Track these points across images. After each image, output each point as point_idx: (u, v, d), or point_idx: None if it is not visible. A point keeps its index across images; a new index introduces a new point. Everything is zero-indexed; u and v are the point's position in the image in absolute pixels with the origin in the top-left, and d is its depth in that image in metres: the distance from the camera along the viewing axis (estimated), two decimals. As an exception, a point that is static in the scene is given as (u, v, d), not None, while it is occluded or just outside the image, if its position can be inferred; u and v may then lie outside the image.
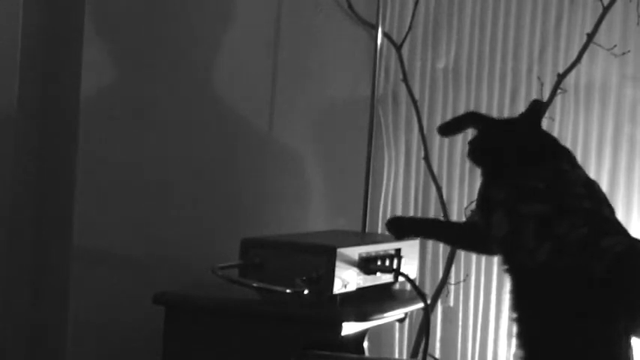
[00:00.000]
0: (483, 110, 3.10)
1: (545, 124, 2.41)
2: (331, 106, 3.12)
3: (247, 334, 2.17)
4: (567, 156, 2.02)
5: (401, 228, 2.24)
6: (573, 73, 3.03)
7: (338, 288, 2.15)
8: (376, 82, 3.08)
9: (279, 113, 2.88)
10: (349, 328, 2.18)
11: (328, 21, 3.06)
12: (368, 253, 2.26)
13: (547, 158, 1.99)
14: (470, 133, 2.15)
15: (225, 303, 2.22)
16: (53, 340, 2.31)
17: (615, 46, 3.00)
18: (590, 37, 2.99)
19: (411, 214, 3.20)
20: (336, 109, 3.14)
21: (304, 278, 2.12)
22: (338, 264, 2.13)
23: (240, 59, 2.73)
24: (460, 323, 3.18)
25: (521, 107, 3.09)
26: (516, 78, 3.15)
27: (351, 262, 2.19)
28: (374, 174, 3.09)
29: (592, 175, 2.04)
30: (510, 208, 1.93)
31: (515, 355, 3.00)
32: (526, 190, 1.93)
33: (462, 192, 3.17)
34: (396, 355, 3.20)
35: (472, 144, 2.07)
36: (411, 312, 2.68)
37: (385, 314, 2.33)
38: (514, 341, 1.92)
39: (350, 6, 3.10)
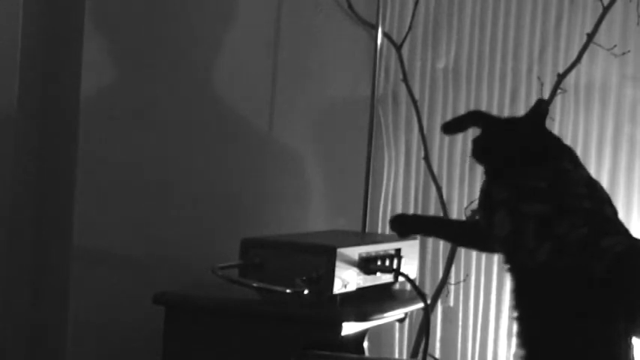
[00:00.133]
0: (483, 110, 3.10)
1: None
2: (331, 106, 3.12)
3: (247, 334, 2.17)
4: (570, 156, 2.02)
5: (404, 225, 2.24)
6: (573, 73, 3.03)
7: (338, 288, 2.15)
8: (376, 82, 3.08)
9: (279, 113, 2.88)
10: (349, 328, 2.18)
11: (328, 21, 3.06)
12: (368, 253, 2.26)
13: (549, 158, 1.99)
14: (471, 132, 2.15)
15: (225, 303, 2.22)
16: (53, 340, 2.31)
17: (615, 46, 3.00)
18: (590, 37, 2.99)
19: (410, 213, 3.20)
20: (336, 109, 3.14)
21: (304, 278, 2.12)
22: (338, 264, 2.13)
23: (240, 59, 2.73)
24: (460, 323, 3.18)
25: (522, 107, 3.10)
26: (516, 78, 3.15)
27: (351, 262, 2.19)
28: (374, 174, 3.08)
29: (592, 175, 2.04)
30: (512, 207, 1.93)
31: (515, 355, 3.00)
32: (527, 190, 1.93)
33: (462, 192, 3.17)
34: (396, 355, 3.20)
35: (475, 143, 2.07)
36: (411, 312, 2.68)
37: (385, 314, 2.33)
38: (514, 341, 1.92)
39: (350, 6, 3.10)
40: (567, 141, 2.99)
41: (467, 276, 3.16)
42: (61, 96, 2.31)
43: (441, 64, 3.21)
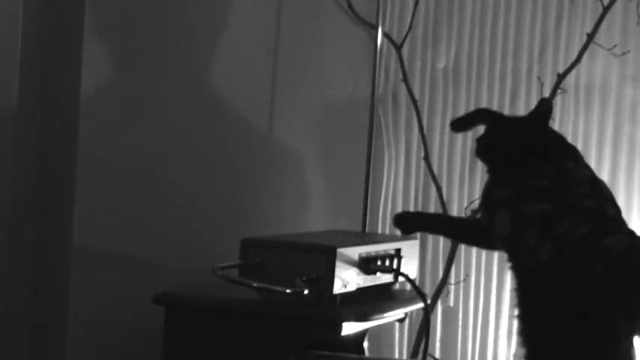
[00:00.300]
0: (483, 110, 3.10)
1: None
2: (331, 106, 3.12)
3: (247, 334, 2.17)
4: (573, 155, 2.02)
5: (407, 223, 2.24)
6: (573, 73, 3.03)
7: (338, 288, 2.15)
8: (376, 82, 3.08)
9: (279, 113, 2.88)
10: (349, 328, 2.18)
11: (328, 21, 3.06)
12: (368, 253, 2.26)
13: (551, 157, 1.99)
14: (471, 132, 2.15)
15: (225, 303, 2.22)
16: (53, 340, 2.31)
17: (615, 46, 3.00)
18: (590, 37, 2.99)
19: (412, 212, 3.20)
20: (336, 109, 3.14)
21: (304, 278, 2.12)
22: (338, 264, 2.13)
23: (240, 59, 2.73)
24: (460, 323, 3.18)
25: (522, 107, 3.09)
26: (516, 78, 3.15)
27: (351, 262, 2.19)
28: (374, 174, 3.08)
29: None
30: (513, 207, 1.93)
31: (515, 354, 3.01)
32: (528, 189, 1.94)
33: (462, 192, 3.17)
34: (396, 355, 3.20)
35: (479, 141, 2.07)
36: (411, 312, 2.68)
37: (385, 314, 2.33)
38: (515, 340, 1.92)
39: (350, 6, 3.10)
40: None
41: (467, 276, 3.16)
42: (61, 96, 2.31)
43: (441, 64, 3.21)
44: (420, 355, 2.97)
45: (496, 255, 3.08)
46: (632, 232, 1.92)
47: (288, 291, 2.11)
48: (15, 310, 2.30)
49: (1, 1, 2.23)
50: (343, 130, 3.15)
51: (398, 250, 2.35)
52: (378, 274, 2.28)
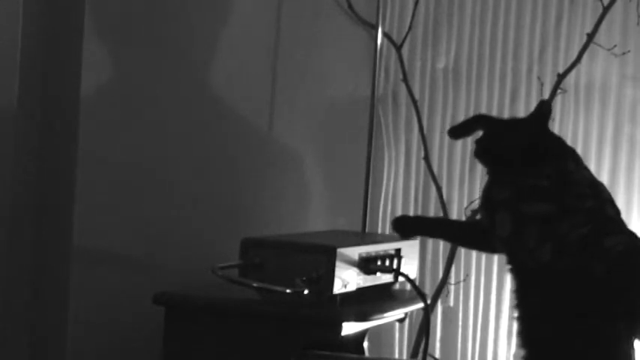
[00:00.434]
0: (483, 110, 3.10)
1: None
2: (331, 106, 3.12)
3: (247, 334, 2.17)
4: (573, 156, 2.02)
5: (406, 227, 2.24)
6: (573, 73, 3.03)
7: (338, 288, 2.15)
8: (376, 82, 3.08)
9: (279, 113, 2.88)
10: (349, 328, 2.18)
11: (328, 21, 3.06)
12: (368, 253, 2.26)
13: (551, 158, 1.99)
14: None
15: (225, 303, 2.22)
16: (53, 340, 2.31)
17: (615, 46, 3.00)
18: (590, 37, 2.99)
19: (412, 214, 3.20)
20: (336, 109, 3.14)
21: (304, 278, 2.12)
22: (338, 264, 2.13)
23: (240, 59, 2.73)
24: (460, 323, 3.18)
25: (522, 107, 3.10)
26: (516, 78, 3.15)
27: (351, 262, 2.19)
28: (374, 174, 3.08)
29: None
30: (513, 207, 1.93)
31: (515, 355, 3.01)
32: (528, 190, 1.94)
33: (462, 192, 3.18)
34: (396, 355, 3.20)
35: (478, 143, 2.07)
36: (411, 312, 2.68)
37: (385, 314, 2.33)
38: (515, 340, 1.92)
39: (350, 6, 3.10)
40: (567, 141, 3.00)
41: (467, 276, 3.16)
42: (61, 96, 2.31)
43: (441, 64, 3.21)
44: (420, 355, 2.97)
45: (496, 255, 3.08)
46: (632, 233, 1.92)
47: (288, 291, 2.11)
48: (15, 310, 2.30)
49: (1, 1, 2.23)
50: (343, 130, 3.15)
51: (398, 250, 2.35)
52: (378, 274, 2.28)
